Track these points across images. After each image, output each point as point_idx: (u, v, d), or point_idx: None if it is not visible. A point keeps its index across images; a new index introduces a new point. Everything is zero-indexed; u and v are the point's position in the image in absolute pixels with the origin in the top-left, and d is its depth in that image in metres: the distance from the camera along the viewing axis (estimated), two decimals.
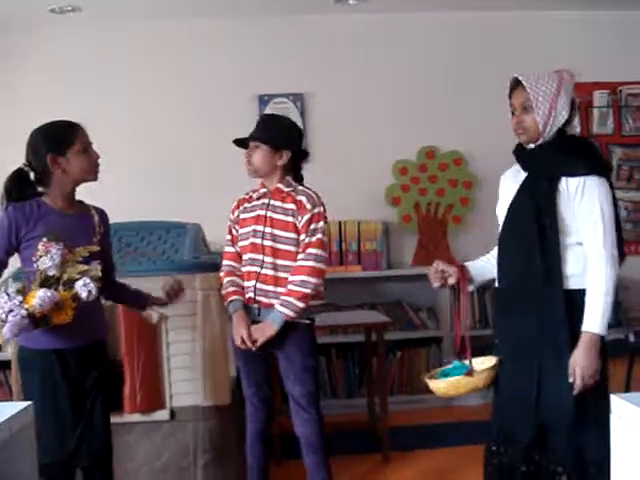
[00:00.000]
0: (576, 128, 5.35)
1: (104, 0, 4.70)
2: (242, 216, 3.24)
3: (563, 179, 2.60)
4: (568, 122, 2.68)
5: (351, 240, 5.15)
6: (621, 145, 5.46)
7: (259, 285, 3.14)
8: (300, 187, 3.21)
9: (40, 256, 2.60)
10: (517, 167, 2.81)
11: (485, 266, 2.90)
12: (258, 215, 3.19)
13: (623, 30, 5.37)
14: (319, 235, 3.13)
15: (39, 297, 2.50)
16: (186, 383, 3.65)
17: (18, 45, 5.08)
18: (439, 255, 4.52)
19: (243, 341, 3.13)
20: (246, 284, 3.20)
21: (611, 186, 2.64)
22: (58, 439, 2.77)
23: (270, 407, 3.34)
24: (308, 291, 3.08)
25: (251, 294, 3.17)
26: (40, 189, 2.82)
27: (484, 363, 2.74)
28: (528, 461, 2.60)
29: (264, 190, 3.22)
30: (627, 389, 4.33)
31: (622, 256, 2.65)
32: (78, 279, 2.60)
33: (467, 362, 2.72)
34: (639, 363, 4.49)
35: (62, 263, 2.61)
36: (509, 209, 2.73)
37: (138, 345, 3.52)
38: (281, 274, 3.14)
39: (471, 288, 2.92)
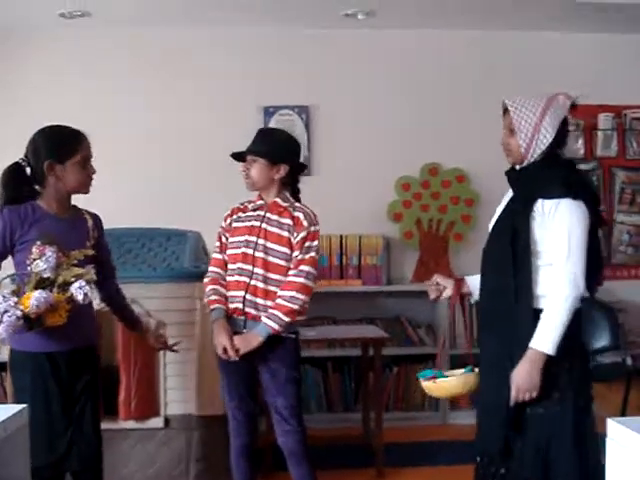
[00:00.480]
0: (579, 151, 5.38)
1: (113, 6, 4.72)
2: (235, 224, 3.22)
3: (539, 201, 2.66)
4: (558, 144, 2.73)
5: (352, 254, 5.15)
6: (624, 168, 5.47)
7: (249, 297, 3.12)
8: (297, 204, 3.24)
9: (34, 259, 2.62)
10: None
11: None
12: (252, 226, 3.18)
13: (629, 53, 5.39)
14: (312, 253, 3.16)
15: (35, 298, 2.52)
16: (181, 391, 3.66)
17: (26, 49, 5.10)
18: (439, 272, 4.50)
19: (225, 351, 3.09)
20: (233, 294, 3.16)
21: (595, 210, 2.68)
22: (48, 442, 2.76)
23: (254, 421, 3.28)
24: (296, 307, 3.09)
25: (239, 305, 3.13)
26: (36, 187, 2.82)
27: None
28: (497, 472, 2.68)
29: (261, 202, 3.22)
30: (623, 413, 4.32)
31: (598, 281, 2.72)
32: (73, 282, 2.62)
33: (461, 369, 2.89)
34: (636, 387, 4.48)
35: (57, 266, 2.62)
36: (492, 228, 2.82)
37: (135, 351, 3.53)
38: (271, 287, 3.13)
39: (472, 300, 2.99)
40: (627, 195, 5.48)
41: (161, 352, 3.54)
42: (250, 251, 3.14)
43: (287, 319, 3.08)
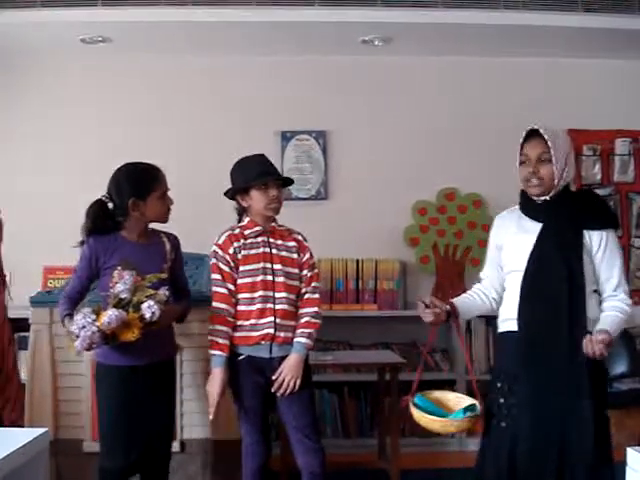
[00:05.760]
0: (596, 176, 5.37)
1: (133, 33, 4.78)
2: (243, 253, 3.20)
3: (585, 232, 2.72)
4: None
5: (368, 278, 5.15)
6: None
7: (279, 321, 3.16)
8: (284, 226, 3.32)
9: (116, 282, 2.95)
10: (517, 214, 2.95)
11: (469, 303, 3.06)
12: (264, 253, 3.22)
13: None
14: (316, 270, 3.33)
15: (107, 316, 2.82)
16: (197, 415, 3.65)
17: (45, 73, 5.19)
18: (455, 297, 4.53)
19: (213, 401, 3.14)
20: (260, 321, 3.17)
21: None
22: (124, 449, 3.04)
23: (269, 442, 3.30)
24: (320, 322, 3.23)
25: (270, 330, 3.15)
26: (119, 219, 3.14)
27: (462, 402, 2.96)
28: None
29: (259, 228, 3.24)
30: None
31: None
32: (144, 302, 2.89)
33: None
34: None
35: (134, 288, 2.92)
36: (533, 260, 2.81)
37: None
38: (292, 308, 3.22)
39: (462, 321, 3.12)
40: None
41: (178, 376, 3.55)
42: (270, 277, 3.18)
43: (316, 335, 3.21)
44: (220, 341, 3.15)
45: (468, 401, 2.92)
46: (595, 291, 2.80)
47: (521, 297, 2.82)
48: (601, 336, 2.59)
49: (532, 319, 2.79)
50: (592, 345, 2.59)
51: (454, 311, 2.97)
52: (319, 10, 4.60)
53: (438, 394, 3.05)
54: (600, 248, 2.72)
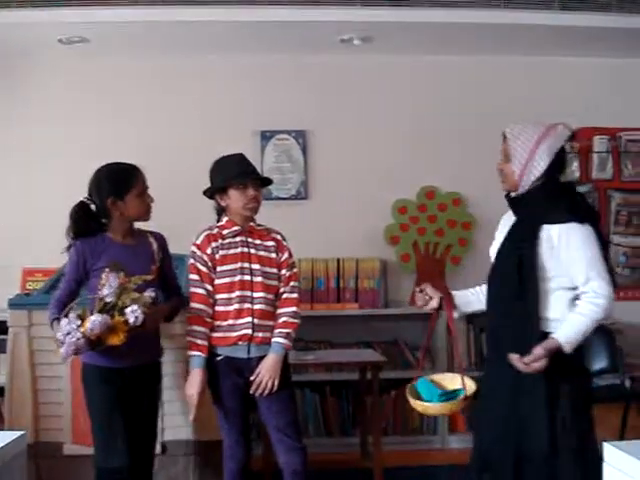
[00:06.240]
0: (574, 173, 5.40)
1: (111, 34, 4.76)
2: (221, 253, 3.20)
3: (545, 227, 2.68)
4: (555, 172, 2.77)
5: (349, 277, 5.14)
6: (620, 190, 5.48)
7: (257, 321, 3.16)
8: (263, 225, 3.31)
9: (103, 285, 2.92)
10: None
11: (471, 297, 3.05)
12: (242, 252, 3.21)
13: (623, 77, 5.44)
14: (295, 269, 3.31)
15: (91, 322, 2.80)
16: (179, 417, 3.63)
17: (24, 73, 5.15)
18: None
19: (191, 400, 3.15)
20: (238, 322, 3.17)
21: (598, 231, 2.73)
22: (115, 446, 3.03)
23: (249, 442, 3.30)
24: (299, 321, 3.22)
25: (247, 331, 3.16)
26: (103, 220, 3.15)
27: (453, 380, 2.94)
28: None
29: (237, 228, 3.24)
30: (621, 437, 4.30)
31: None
32: (129, 306, 2.87)
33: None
34: (634, 410, 4.47)
35: (120, 290, 2.90)
36: (497, 253, 2.86)
37: None
38: (271, 308, 3.21)
39: (455, 315, 3.02)
40: (623, 217, 5.49)
41: None
42: (248, 277, 3.18)
43: (294, 335, 3.21)
44: (199, 342, 3.15)
45: (468, 385, 2.90)
46: (570, 289, 2.73)
47: (486, 291, 2.91)
48: (534, 353, 2.57)
49: (492, 313, 2.86)
50: (521, 366, 2.60)
51: (449, 300, 2.97)
52: (297, 9, 4.59)
53: (443, 377, 3.04)
54: (561, 243, 2.65)
